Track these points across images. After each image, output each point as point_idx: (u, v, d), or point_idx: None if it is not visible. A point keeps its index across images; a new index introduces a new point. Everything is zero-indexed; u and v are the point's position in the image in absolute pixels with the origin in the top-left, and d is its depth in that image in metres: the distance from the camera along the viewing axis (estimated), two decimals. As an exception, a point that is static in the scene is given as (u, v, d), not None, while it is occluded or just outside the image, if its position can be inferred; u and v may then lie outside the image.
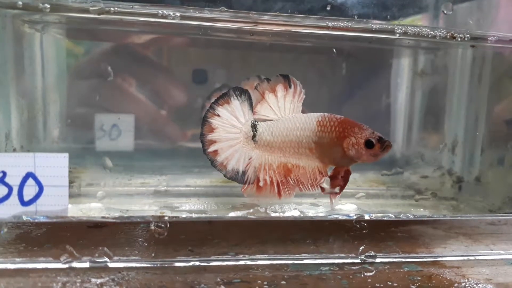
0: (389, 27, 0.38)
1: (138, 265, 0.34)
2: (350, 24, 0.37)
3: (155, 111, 0.58)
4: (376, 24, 0.38)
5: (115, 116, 0.55)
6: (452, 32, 0.38)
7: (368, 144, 0.37)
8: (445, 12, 0.39)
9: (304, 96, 0.39)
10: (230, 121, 0.38)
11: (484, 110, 0.49)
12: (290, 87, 0.38)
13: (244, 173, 0.38)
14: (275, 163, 0.38)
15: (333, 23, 0.37)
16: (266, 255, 0.35)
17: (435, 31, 0.38)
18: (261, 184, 0.38)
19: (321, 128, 0.38)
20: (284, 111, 0.39)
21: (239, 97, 0.38)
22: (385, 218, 0.36)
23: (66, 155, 0.33)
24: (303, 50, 0.57)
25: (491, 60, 0.48)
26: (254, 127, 0.38)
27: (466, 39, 0.39)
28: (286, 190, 0.38)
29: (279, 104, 0.39)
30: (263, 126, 0.39)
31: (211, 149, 0.38)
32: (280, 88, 0.38)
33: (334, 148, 0.38)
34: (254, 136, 0.38)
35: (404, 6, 0.43)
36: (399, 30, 0.38)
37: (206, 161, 0.57)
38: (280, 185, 0.38)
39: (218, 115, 0.38)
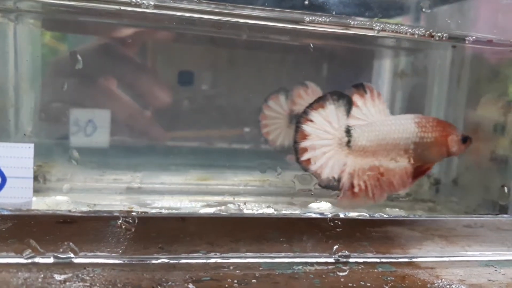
0: (368, 23, 0.38)
1: (105, 261, 0.33)
2: (328, 19, 0.37)
3: (133, 107, 0.57)
4: (354, 20, 0.38)
5: (90, 112, 0.54)
6: (431, 30, 0.38)
7: (464, 139, 0.40)
8: (424, 10, 0.39)
9: (383, 96, 0.39)
10: (323, 127, 0.37)
11: (462, 112, 0.49)
12: (366, 93, 0.38)
13: (339, 180, 0.38)
14: (368, 166, 0.38)
15: (310, 18, 0.36)
16: (238, 253, 0.34)
17: (414, 29, 0.38)
18: (356, 190, 0.37)
19: (422, 129, 0.39)
20: (372, 116, 0.39)
21: (336, 102, 0.37)
22: (360, 217, 0.36)
23: (31, 145, 0.32)
24: (284, 48, 0.56)
25: (469, 63, 0.49)
26: (348, 132, 0.38)
27: (444, 38, 0.39)
28: (379, 193, 0.38)
29: (364, 112, 0.38)
30: (358, 131, 0.38)
31: (304, 157, 0.37)
32: (357, 98, 0.38)
33: (438, 146, 0.39)
34: (348, 141, 0.38)
35: (386, 8, 0.43)
36: (377, 27, 0.38)
37: (183, 159, 0.56)
38: (374, 189, 0.38)
39: (311, 120, 0.37)
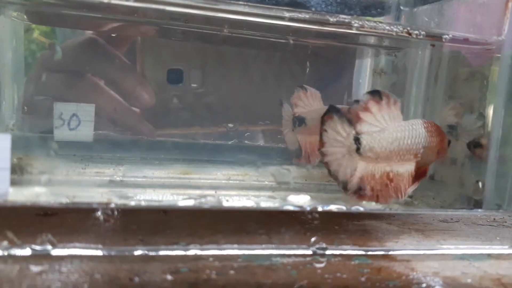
0: (346, 20, 0.38)
1: (83, 253, 0.33)
2: (307, 16, 0.38)
3: (121, 104, 0.57)
4: (333, 16, 0.38)
5: (74, 106, 0.54)
6: (408, 28, 0.39)
7: (449, 142, 0.43)
8: (402, 7, 0.40)
9: (400, 104, 0.40)
10: (333, 136, 0.40)
11: (439, 110, 0.50)
12: (381, 99, 0.39)
13: (349, 182, 0.40)
14: (378, 172, 0.39)
15: (290, 14, 0.37)
16: (217, 245, 0.34)
17: (391, 26, 0.39)
18: (361, 193, 0.39)
19: (429, 133, 0.40)
20: (386, 122, 0.39)
21: (336, 113, 0.39)
22: (338, 210, 0.36)
23: (8, 136, 0.31)
24: (268, 46, 0.57)
25: (447, 62, 0.50)
26: (357, 140, 0.39)
27: (421, 35, 0.40)
28: (385, 199, 0.39)
29: (378, 118, 0.39)
30: (368, 138, 0.39)
31: (325, 160, 0.41)
32: (371, 104, 0.39)
33: (438, 149, 0.41)
34: (358, 149, 0.39)
35: (367, 7, 0.44)
36: (356, 24, 0.38)
37: (167, 153, 0.56)
38: (379, 194, 0.39)
39: (325, 130, 0.40)
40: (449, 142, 0.44)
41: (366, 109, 0.39)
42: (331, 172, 0.40)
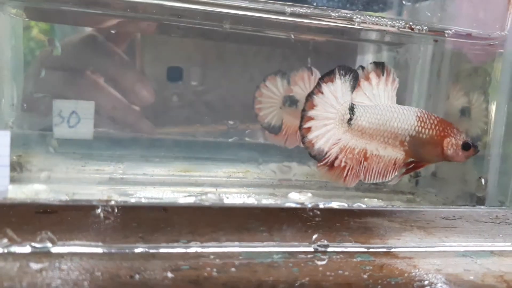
0: (348, 15, 0.38)
1: (83, 250, 0.32)
2: (309, 11, 0.37)
3: (121, 101, 0.57)
4: (335, 12, 0.38)
5: (74, 103, 0.54)
6: (410, 23, 0.39)
7: (466, 146, 0.40)
8: (404, 2, 0.40)
9: (398, 85, 0.39)
10: (330, 100, 0.38)
11: (442, 105, 0.50)
12: (383, 74, 0.38)
13: (327, 152, 0.38)
14: (358, 148, 0.38)
15: (291, 9, 0.36)
16: (218, 243, 0.34)
17: (394, 22, 0.39)
18: (335, 164, 0.38)
19: (421, 123, 0.39)
20: (379, 98, 0.39)
21: (342, 77, 0.37)
22: (340, 207, 0.36)
23: (8, 132, 0.31)
24: (268, 42, 0.57)
25: (449, 58, 0.49)
26: (351, 109, 0.38)
27: (424, 30, 0.39)
28: (352, 177, 0.38)
29: (374, 92, 0.39)
30: (361, 110, 0.38)
31: (306, 125, 0.38)
32: (373, 76, 0.38)
33: (432, 145, 0.39)
34: (350, 119, 0.38)
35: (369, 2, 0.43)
36: (357, 19, 0.38)
37: (167, 151, 0.56)
38: (350, 171, 0.38)
39: (322, 93, 0.37)
40: (467, 145, 0.40)
41: (368, 78, 0.38)
42: (307, 137, 0.37)
